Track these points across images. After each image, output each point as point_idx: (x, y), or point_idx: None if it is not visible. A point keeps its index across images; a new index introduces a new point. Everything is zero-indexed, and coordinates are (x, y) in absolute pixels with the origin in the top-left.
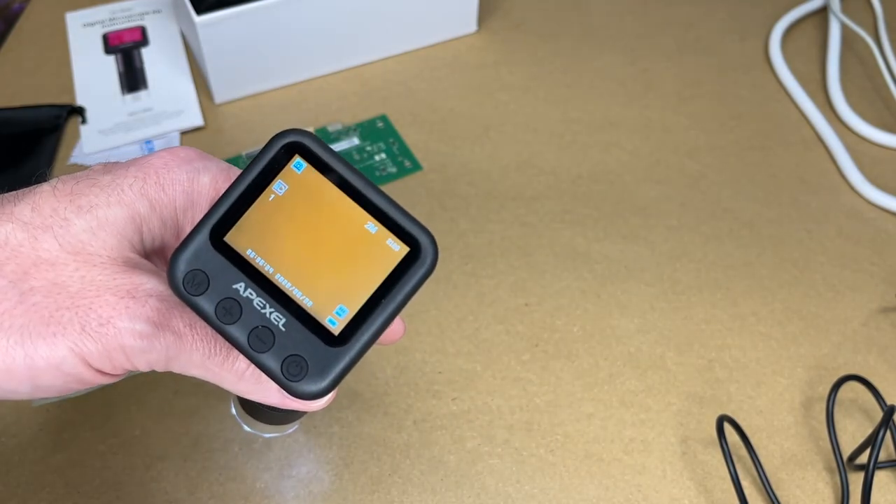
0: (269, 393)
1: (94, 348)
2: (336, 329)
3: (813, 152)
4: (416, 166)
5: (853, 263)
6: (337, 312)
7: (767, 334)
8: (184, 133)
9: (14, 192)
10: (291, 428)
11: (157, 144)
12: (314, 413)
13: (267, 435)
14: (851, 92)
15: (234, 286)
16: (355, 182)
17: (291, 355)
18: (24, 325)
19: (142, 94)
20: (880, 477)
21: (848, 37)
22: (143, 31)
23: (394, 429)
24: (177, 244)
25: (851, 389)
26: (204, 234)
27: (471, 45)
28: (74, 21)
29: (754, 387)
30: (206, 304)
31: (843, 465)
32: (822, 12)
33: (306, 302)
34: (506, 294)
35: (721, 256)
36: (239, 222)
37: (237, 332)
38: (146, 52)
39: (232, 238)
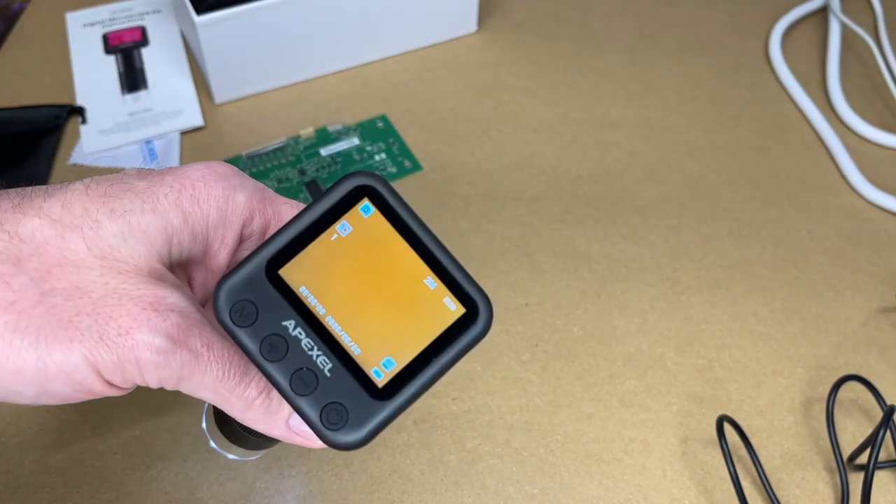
0: (276, 425)
1: (109, 359)
2: (381, 382)
3: (813, 152)
4: (416, 166)
5: (853, 263)
6: (384, 364)
7: (767, 334)
8: (184, 133)
9: (45, 187)
10: (258, 455)
11: (157, 144)
12: None
13: (232, 457)
14: (851, 92)
15: (284, 323)
16: (421, 235)
17: (333, 402)
18: (41, 326)
19: (142, 94)
20: (880, 477)
21: (848, 37)
22: (143, 31)
23: (394, 429)
24: (201, 259)
25: (851, 389)
26: (259, 263)
27: (471, 45)
28: (74, 21)
29: (754, 387)
30: (252, 338)
31: (843, 465)
32: (822, 12)
33: (354, 349)
34: (506, 294)
35: (721, 256)
36: (297, 257)
37: (280, 370)
38: (146, 52)
39: (287, 272)
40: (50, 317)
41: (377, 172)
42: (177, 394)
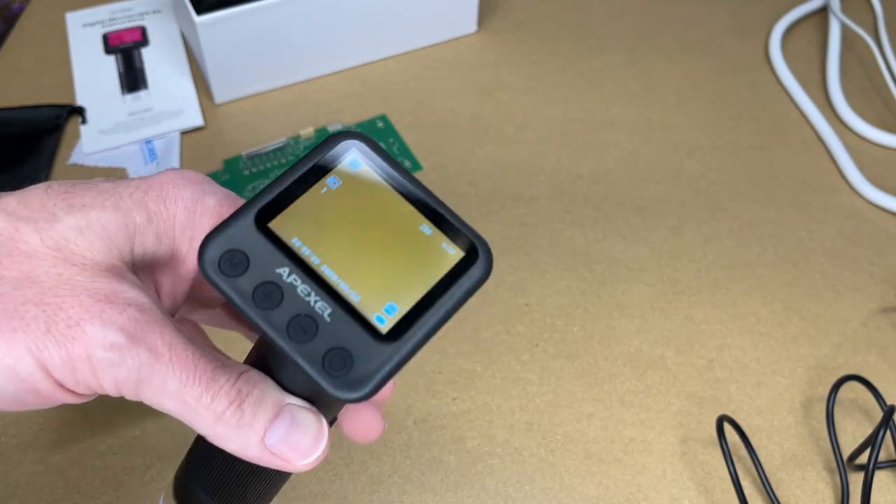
0: (250, 444)
1: (56, 354)
2: (384, 327)
3: (813, 152)
4: (416, 166)
5: (853, 263)
6: (386, 310)
7: (767, 334)
8: (184, 133)
9: (7, 192)
10: None
11: (157, 144)
12: None
13: None
14: (851, 92)
15: (278, 270)
16: (411, 185)
17: (335, 348)
18: None
19: (142, 94)
20: (880, 477)
21: (848, 37)
22: (143, 31)
23: (394, 429)
24: (169, 262)
25: (851, 389)
26: (248, 215)
27: (471, 45)
28: (74, 21)
29: (754, 387)
30: (243, 287)
31: (843, 465)
32: (822, 12)
33: (353, 296)
34: (506, 294)
35: (721, 256)
36: (287, 210)
37: (275, 318)
38: (146, 52)
39: (278, 224)
40: None
41: (364, 133)
42: None
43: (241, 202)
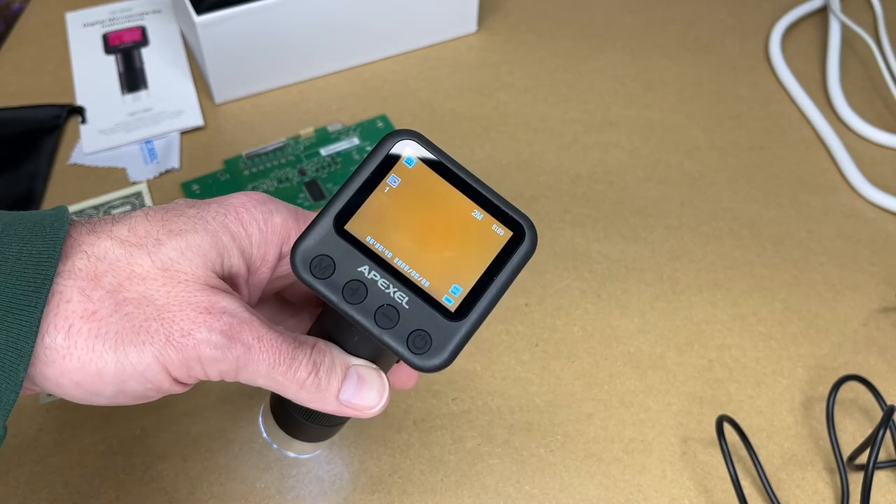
0: (328, 401)
1: (175, 357)
2: (452, 306)
3: (813, 152)
4: None
5: (853, 263)
6: (452, 291)
7: (767, 334)
8: (184, 133)
9: (111, 216)
10: (319, 450)
11: (157, 144)
12: None
13: (292, 454)
14: (851, 92)
15: (359, 269)
16: (462, 174)
17: (416, 330)
18: (118, 332)
19: (142, 94)
20: (880, 477)
21: (848, 37)
22: (143, 31)
23: (394, 429)
24: (246, 274)
25: (851, 389)
26: (327, 222)
27: (471, 45)
28: (74, 21)
29: (754, 387)
30: (333, 287)
31: (843, 465)
32: (822, 12)
33: (424, 283)
34: (506, 294)
35: (721, 256)
36: (358, 212)
37: (364, 311)
38: (146, 52)
39: (352, 226)
40: (124, 323)
41: (412, 129)
42: (176, 395)
43: (301, 214)
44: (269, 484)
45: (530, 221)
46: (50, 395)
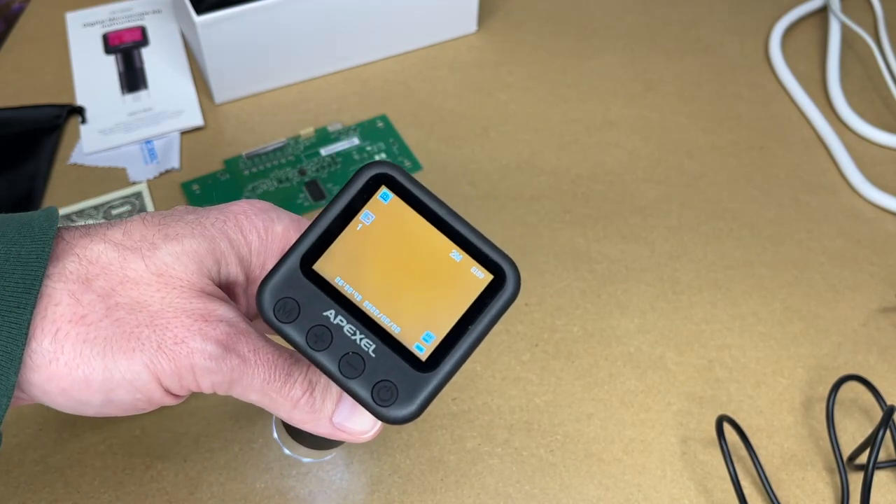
0: (321, 423)
1: (167, 366)
2: (423, 355)
3: (813, 152)
4: (416, 166)
5: (853, 263)
6: (424, 338)
7: (767, 334)
8: (184, 133)
9: (108, 221)
10: (330, 455)
11: (157, 144)
12: None
13: (306, 460)
14: (851, 92)
15: (325, 313)
16: (440, 212)
17: (381, 381)
18: (107, 337)
19: (142, 94)
20: (880, 477)
21: (848, 37)
22: (143, 31)
23: (394, 429)
24: (244, 283)
25: (851, 389)
26: (294, 262)
27: (471, 45)
28: (74, 21)
29: (754, 387)
30: (297, 332)
31: (843, 465)
32: (822, 12)
33: (394, 328)
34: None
35: (721, 256)
36: (328, 251)
37: (328, 358)
38: (146, 52)
39: (321, 266)
40: (115, 329)
41: (389, 160)
42: None
43: (305, 222)
44: (269, 484)
45: (513, 264)
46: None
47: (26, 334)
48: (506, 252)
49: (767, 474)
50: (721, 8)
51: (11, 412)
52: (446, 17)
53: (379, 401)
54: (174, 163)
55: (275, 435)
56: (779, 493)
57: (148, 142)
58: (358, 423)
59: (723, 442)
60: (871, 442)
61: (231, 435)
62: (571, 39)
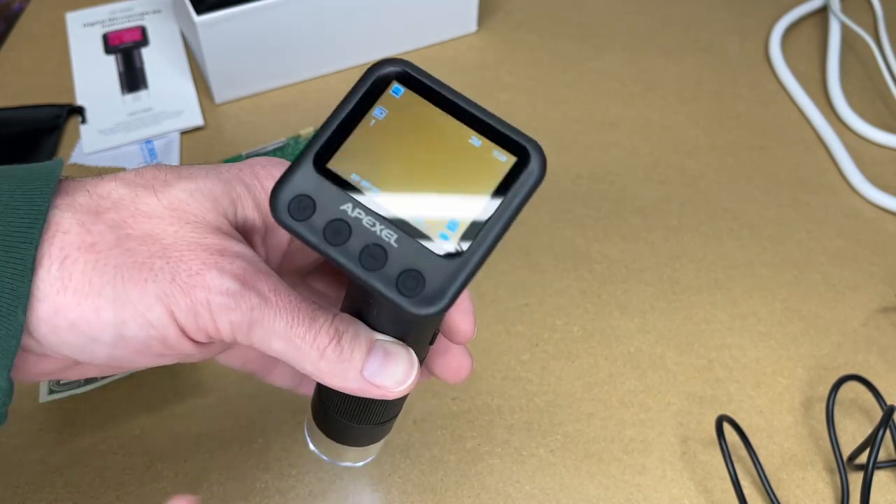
0: (350, 376)
1: (182, 300)
2: (449, 243)
3: (813, 152)
4: None
5: (853, 263)
6: (449, 227)
7: (767, 334)
8: (184, 133)
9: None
10: (371, 456)
11: (157, 144)
12: None
13: (344, 463)
14: (851, 92)
15: (342, 207)
16: (455, 99)
17: (406, 270)
18: (117, 265)
19: (142, 94)
20: (880, 477)
21: (848, 37)
22: (143, 31)
23: (394, 429)
24: (263, 232)
25: (851, 389)
26: (307, 161)
27: (471, 45)
28: (74, 21)
29: (754, 387)
30: (314, 228)
31: (843, 465)
32: (822, 12)
33: (416, 219)
34: (506, 294)
35: (721, 256)
36: (341, 148)
37: (347, 253)
38: (146, 52)
39: (335, 164)
40: (126, 258)
41: (397, 57)
42: (177, 394)
43: None
44: (269, 484)
45: (536, 144)
46: (53, 391)
47: (32, 269)
48: (528, 133)
49: (767, 474)
50: (721, 8)
51: (12, 412)
52: (446, 17)
53: (405, 290)
54: (174, 163)
55: (310, 445)
56: (779, 493)
57: (148, 142)
58: (391, 376)
59: (723, 442)
60: (871, 442)
61: (231, 435)
62: (571, 39)
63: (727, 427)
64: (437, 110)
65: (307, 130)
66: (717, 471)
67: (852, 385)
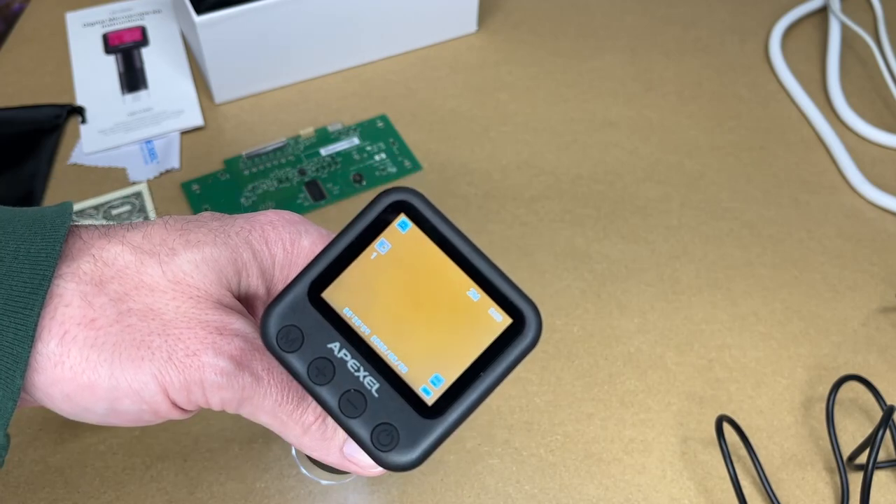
0: (331, 452)
1: (176, 378)
2: (430, 399)
3: (813, 152)
4: (416, 166)
5: (853, 263)
6: (432, 381)
7: (767, 334)
8: (184, 133)
9: (129, 222)
10: (350, 477)
11: (157, 144)
12: None
13: (325, 482)
14: (851, 92)
15: (329, 346)
16: (461, 246)
17: (382, 423)
18: (115, 343)
19: (142, 94)
20: (880, 477)
21: (848, 37)
22: (143, 31)
23: None
24: (265, 297)
25: (851, 389)
26: (302, 288)
27: (471, 45)
28: (74, 21)
29: (754, 387)
30: (299, 363)
31: (843, 465)
32: (822, 12)
33: (401, 368)
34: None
35: (721, 256)
36: (338, 279)
37: (328, 394)
38: (146, 52)
39: (330, 295)
40: (125, 335)
41: (412, 187)
42: None
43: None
44: (269, 484)
45: (535, 309)
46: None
47: (33, 336)
48: (528, 295)
49: (767, 474)
50: (721, 8)
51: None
52: (446, 16)
53: (378, 444)
54: (174, 163)
55: (293, 453)
56: (779, 493)
57: (148, 142)
58: (368, 457)
59: (722, 442)
60: (871, 442)
61: (231, 435)
62: (571, 39)
63: (727, 427)
64: (441, 254)
65: (307, 130)
66: (717, 471)
67: (852, 385)
